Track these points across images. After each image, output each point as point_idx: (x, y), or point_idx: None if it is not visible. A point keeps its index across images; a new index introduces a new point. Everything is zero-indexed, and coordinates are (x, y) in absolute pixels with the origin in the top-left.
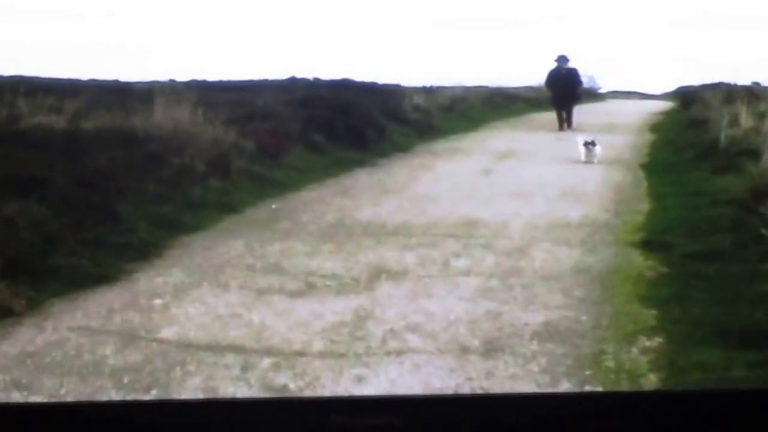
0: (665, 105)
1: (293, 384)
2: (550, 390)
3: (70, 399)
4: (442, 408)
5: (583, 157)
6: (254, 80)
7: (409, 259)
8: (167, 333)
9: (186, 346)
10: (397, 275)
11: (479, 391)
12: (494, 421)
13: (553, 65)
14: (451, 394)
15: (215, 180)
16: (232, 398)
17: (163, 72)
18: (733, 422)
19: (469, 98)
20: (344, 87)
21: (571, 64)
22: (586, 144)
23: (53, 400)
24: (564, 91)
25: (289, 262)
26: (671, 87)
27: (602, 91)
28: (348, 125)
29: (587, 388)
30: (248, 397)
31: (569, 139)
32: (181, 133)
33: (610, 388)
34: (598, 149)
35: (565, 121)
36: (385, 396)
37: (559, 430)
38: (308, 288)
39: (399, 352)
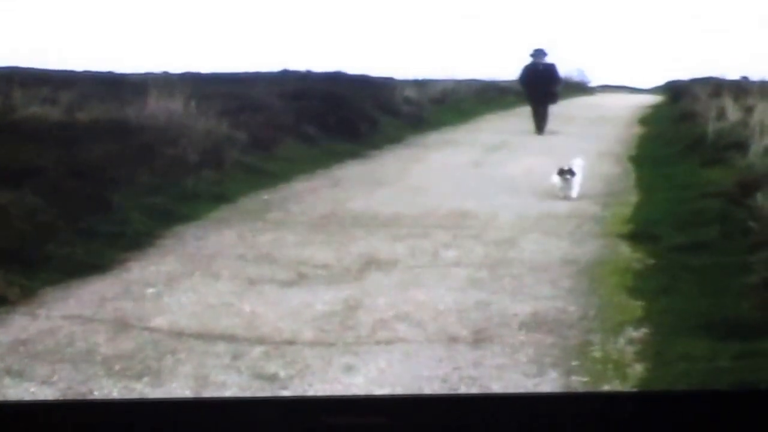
0: (654, 99)
1: (283, 372)
2: (535, 390)
3: (62, 386)
4: (429, 407)
5: (558, 190)
6: (247, 72)
7: (400, 249)
8: (159, 321)
9: (177, 334)
10: (387, 265)
11: (467, 381)
12: (480, 420)
13: (529, 60)
14: (439, 394)
15: (208, 171)
16: (220, 397)
17: (157, 64)
18: (716, 423)
19: (460, 91)
20: (336, 79)
21: (549, 59)
22: (562, 173)
23: (42, 394)
24: (540, 89)
25: (280, 252)
26: (660, 81)
27: (592, 84)
28: (340, 117)
29: (573, 379)
30: (237, 396)
31: (560, 132)
32: (174, 124)
33: (596, 377)
34: (577, 180)
35: (541, 123)
36: (373, 396)
37: (545, 430)
38: (299, 278)
39: (388, 342)
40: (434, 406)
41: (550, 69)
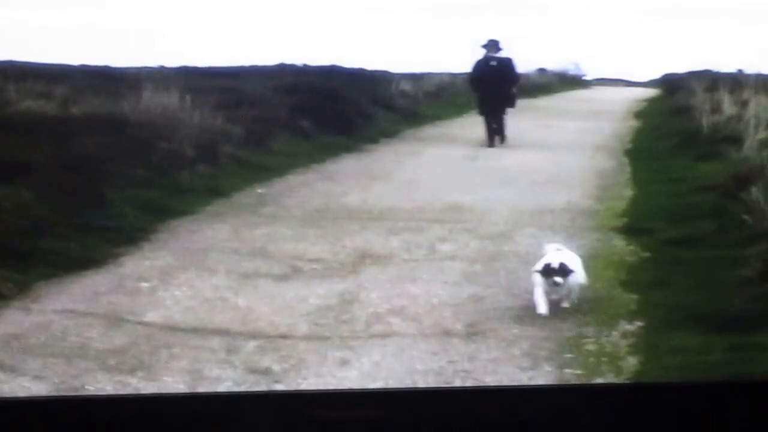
0: (650, 92)
1: (278, 366)
2: (528, 383)
3: (55, 381)
4: (422, 401)
5: (540, 306)
6: (243, 66)
7: (395, 243)
8: (153, 316)
9: (172, 329)
10: (382, 259)
11: (461, 374)
12: (473, 413)
13: (482, 55)
14: (431, 387)
15: (203, 165)
16: (212, 392)
17: (152, 58)
18: (708, 414)
19: (456, 85)
20: (332, 73)
21: (505, 53)
22: (548, 271)
23: (35, 388)
24: (493, 89)
25: (275, 246)
26: (656, 74)
27: (588, 78)
28: (335, 111)
29: (567, 372)
30: (229, 391)
31: (556, 125)
32: (169, 118)
33: (590, 371)
34: (573, 282)
35: (495, 133)
36: (365, 389)
37: (539, 422)
38: (294, 272)
39: (383, 335)
40: (427, 399)
41: (506, 64)
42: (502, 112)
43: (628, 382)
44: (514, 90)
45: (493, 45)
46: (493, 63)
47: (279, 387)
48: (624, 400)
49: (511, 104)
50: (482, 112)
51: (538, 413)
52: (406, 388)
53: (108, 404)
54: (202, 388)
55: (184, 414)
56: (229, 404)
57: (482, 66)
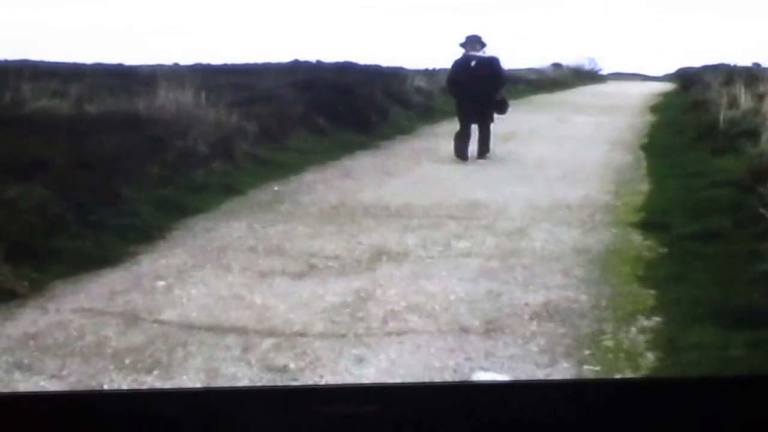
0: (666, 86)
1: (294, 364)
2: (528, 378)
3: (72, 380)
4: (421, 396)
5: None
6: (257, 63)
7: (411, 240)
8: (170, 314)
9: (188, 327)
10: (398, 256)
11: (477, 371)
12: (473, 409)
13: (462, 54)
14: (430, 382)
15: (218, 162)
16: (204, 388)
17: (166, 55)
18: (725, 409)
19: None
20: (347, 70)
21: (492, 51)
22: None
23: (52, 388)
24: (473, 92)
25: (290, 243)
26: (672, 69)
27: (604, 72)
28: (350, 108)
29: (585, 369)
30: (224, 387)
31: (572, 120)
32: (184, 116)
33: (608, 367)
34: None
35: (472, 143)
36: (364, 384)
37: (538, 419)
38: (310, 269)
39: (399, 333)
40: (426, 394)
41: (489, 65)
42: (487, 119)
43: (645, 376)
44: (502, 94)
45: (473, 42)
46: (474, 63)
47: (295, 384)
48: (642, 395)
49: (500, 110)
50: (461, 119)
51: (537, 409)
52: (404, 383)
53: (105, 399)
54: (218, 386)
55: (175, 411)
56: (223, 400)
57: (461, 66)
